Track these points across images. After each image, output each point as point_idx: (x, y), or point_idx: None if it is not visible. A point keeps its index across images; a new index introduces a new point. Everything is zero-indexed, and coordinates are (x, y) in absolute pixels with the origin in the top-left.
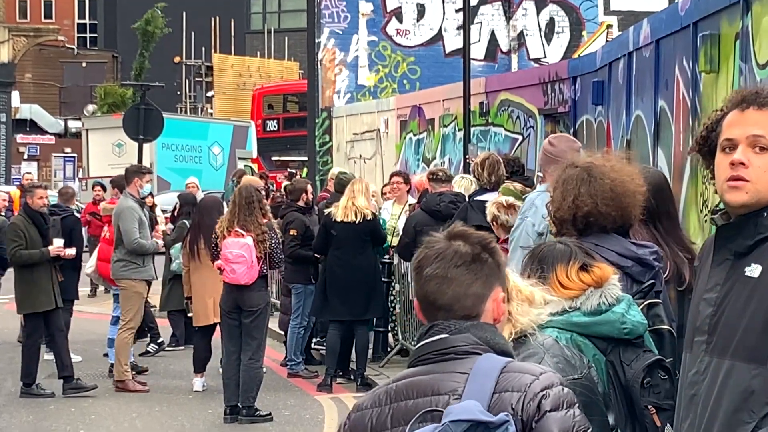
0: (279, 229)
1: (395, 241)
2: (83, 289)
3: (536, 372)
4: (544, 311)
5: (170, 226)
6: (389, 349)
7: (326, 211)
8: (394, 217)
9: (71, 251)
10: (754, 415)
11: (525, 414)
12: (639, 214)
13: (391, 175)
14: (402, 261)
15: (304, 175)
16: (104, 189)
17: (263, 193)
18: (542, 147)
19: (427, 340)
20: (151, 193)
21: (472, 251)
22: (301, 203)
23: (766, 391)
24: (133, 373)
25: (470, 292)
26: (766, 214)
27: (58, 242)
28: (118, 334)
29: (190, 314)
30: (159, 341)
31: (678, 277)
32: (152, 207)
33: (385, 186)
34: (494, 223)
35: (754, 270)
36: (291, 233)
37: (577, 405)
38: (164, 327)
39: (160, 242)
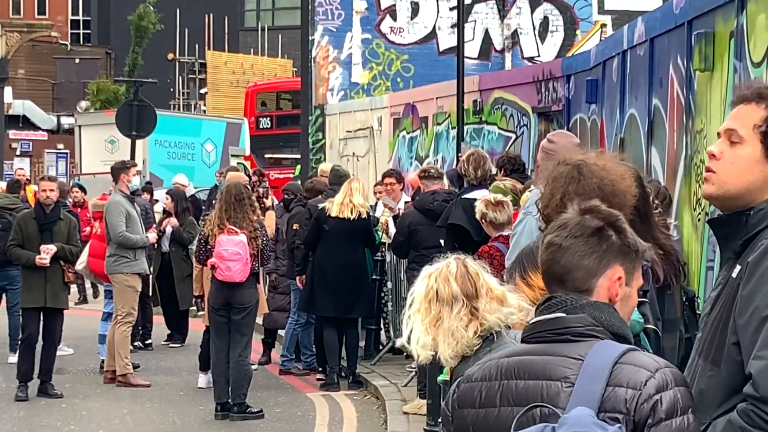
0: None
1: (385, 238)
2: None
3: (652, 367)
4: (514, 312)
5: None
6: (381, 347)
7: (319, 205)
8: (386, 214)
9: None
10: (707, 417)
11: (638, 415)
12: (629, 214)
13: (384, 176)
14: (393, 259)
15: (297, 172)
16: (83, 190)
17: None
18: (541, 145)
19: (542, 317)
20: (150, 188)
21: (595, 225)
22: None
23: (718, 392)
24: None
25: (582, 265)
26: (752, 212)
27: (48, 248)
28: (117, 328)
29: (200, 312)
30: (147, 342)
31: (651, 275)
32: (151, 201)
33: (377, 185)
34: (483, 220)
35: (736, 270)
36: (294, 228)
37: (691, 409)
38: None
39: (152, 236)
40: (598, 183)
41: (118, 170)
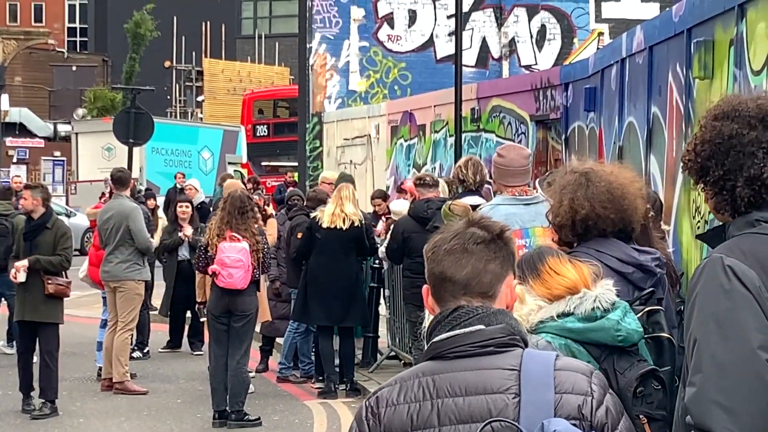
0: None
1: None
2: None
3: (586, 371)
4: (534, 310)
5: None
6: (379, 354)
7: (312, 214)
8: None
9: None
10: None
11: (595, 419)
12: (641, 218)
13: (372, 198)
14: (391, 267)
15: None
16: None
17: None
18: (492, 161)
19: (460, 331)
20: (153, 194)
21: (489, 235)
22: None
23: (680, 416)
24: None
25: (489, 269)
26: (729, 228)
27: (18, 265)
28: (118, 335)
29: (202, 319)
30: (145, 351)
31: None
32: (154, 209)
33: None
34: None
35: None
36: (298, 236)
37: (624, 410)
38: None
39: (155, 243)
40: (607, 186)
41: (130, 177)
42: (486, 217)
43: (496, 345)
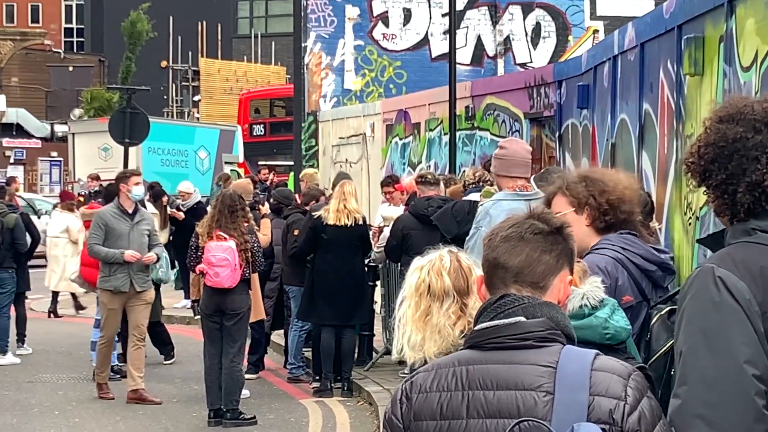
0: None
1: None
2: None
3: (624, 373)
4: None
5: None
6: (375, 353)
7: (315, 213)
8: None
9: None
10: None
11: (626, 425)
12: (638, 219)
13: (383, 185)
14: (386, 264)
15: (291, 179)
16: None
17: (254, 199)
18: (495, 155)
19: (498, 322)
20: (165, 194)
21: (548, 227)
22: (307, 208)
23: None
24: (118, 376)
25: (543, 259)
26: (727, 234)
27: None
28: (132, 345)
29: (197, 317)
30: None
31: None
32: (165, 207)
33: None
34: None
35: None
36: (294, 233)
37: (662, 414)
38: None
39: (129, 253)
40: (625, 182)
41: (118, 180)
42: (548, 211)
43: (534, 339)
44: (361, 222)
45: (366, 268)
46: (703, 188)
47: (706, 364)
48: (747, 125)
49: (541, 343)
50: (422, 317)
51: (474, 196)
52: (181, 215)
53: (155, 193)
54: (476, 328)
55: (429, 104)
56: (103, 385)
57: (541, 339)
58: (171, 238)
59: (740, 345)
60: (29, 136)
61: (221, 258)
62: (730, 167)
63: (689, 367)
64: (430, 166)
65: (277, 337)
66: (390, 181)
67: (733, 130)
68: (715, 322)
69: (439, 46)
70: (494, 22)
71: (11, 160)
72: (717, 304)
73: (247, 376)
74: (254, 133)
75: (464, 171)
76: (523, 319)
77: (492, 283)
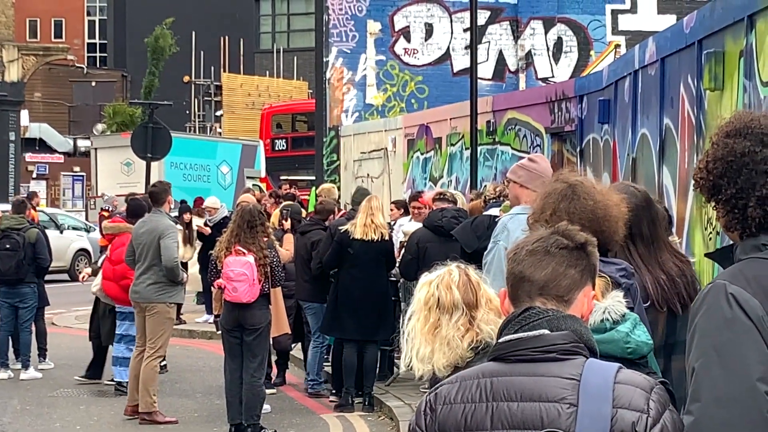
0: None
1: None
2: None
3: (646, 387)
4: None
5: None
6: (396, 368)
7: (341, 228)
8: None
9: None
10: None
11: None
12: (619, 240)
13: (411, 199)
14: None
15: (312, 194)
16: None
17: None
18: (522, 165)
19: (523, 334)
20: (190, 210)
21: (572, 243)
22: (327, 223)
23: None
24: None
25: (569, 274)
26: (737, 249)
27: None
28: (146, 363)
29: (219, 332)
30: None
31: (656, 299)
32: (189, 223)
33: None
34: None
35: None
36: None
37: (683, 428)
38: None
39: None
40: (593, 206)
41: (165, 192)
42: (572, 227)
43: (558, 351)
44: (387, 237)
45: (390, 283)
46: (713, 203)
47: (719, 382)
48: (755, 139)
49: (564, 356)
50: (431, 330)
51: (494, 211)
52: (207, 230)
53: (180, 209)
54: (500, 340)
55: (450, 119)
56: (155, 413)
57: (565, 352)
58: (199, 253)
59: (753, 362)
60: (52, 151)
61: (239, 273)
62: (740, 181)
63: (702, 384)
64: (451, 181)
65: (296, 351)
66: (418, 196)
67: (741, 144)
68: (727, 340)
69: (460, 60)
70: (516, 37)
71: (34, 175)
72: (729, 321)
73: (267, 391)
74: (276, 148)
75: (485, 186)
76: (547, 331)
77: (517, 296)
